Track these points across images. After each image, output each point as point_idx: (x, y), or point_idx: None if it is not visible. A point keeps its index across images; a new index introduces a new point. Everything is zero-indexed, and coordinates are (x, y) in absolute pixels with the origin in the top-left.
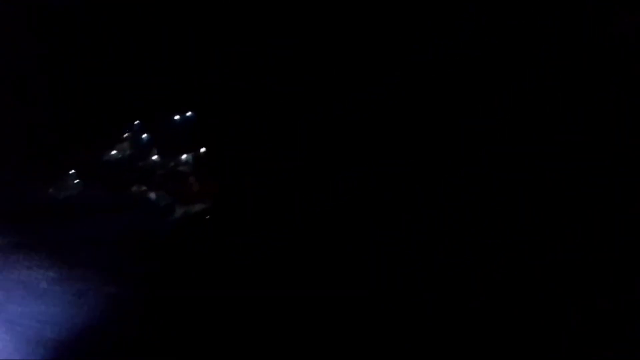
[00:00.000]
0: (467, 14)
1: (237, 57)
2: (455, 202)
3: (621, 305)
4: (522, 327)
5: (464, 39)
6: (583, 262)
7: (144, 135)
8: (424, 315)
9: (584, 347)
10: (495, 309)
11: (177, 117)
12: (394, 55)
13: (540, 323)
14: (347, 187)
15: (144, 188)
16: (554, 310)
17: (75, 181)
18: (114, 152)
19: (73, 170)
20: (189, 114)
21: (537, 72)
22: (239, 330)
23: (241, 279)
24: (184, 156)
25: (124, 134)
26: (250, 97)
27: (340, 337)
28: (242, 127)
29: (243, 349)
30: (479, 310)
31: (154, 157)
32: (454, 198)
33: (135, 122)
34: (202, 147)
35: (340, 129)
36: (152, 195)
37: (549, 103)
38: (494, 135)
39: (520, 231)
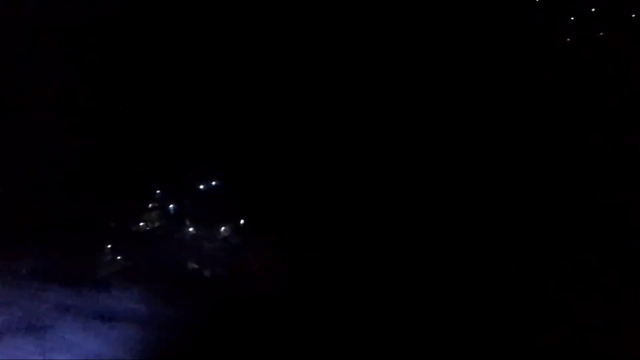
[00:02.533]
0: (467, 14)
1: (237, 57)
2: (455, 202)
3: (621, 305)
4: (522, 327)
5: (464, 38)
6: (583, 262)
7: (171, 205)
8: (424, 315)
9: (584, 346)
10: (495, 309)
11: (201, 184)
12: (393, 55)
13: (540, 323)
14: (347, 186)
15: (195, 266)
16: (555, 310)
17: (117, 257)
18: (141, 223)
19: (109, 245)
20: (214, 183)
21: (537, 72)
22: (242, 330)
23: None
24: (222, 228)
25: (148, 204)
26: (250, 97)
27: (341, 337)
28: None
29: (244, 349)
30: (478, 310)
31: (190, 229)
32: (454, 198)
33: (157, 191)
34: (240, 216)
35: (340, 128)
36: (207, 272)
37: (549, 103)
38: (494, 135)
39: (520, 231)
